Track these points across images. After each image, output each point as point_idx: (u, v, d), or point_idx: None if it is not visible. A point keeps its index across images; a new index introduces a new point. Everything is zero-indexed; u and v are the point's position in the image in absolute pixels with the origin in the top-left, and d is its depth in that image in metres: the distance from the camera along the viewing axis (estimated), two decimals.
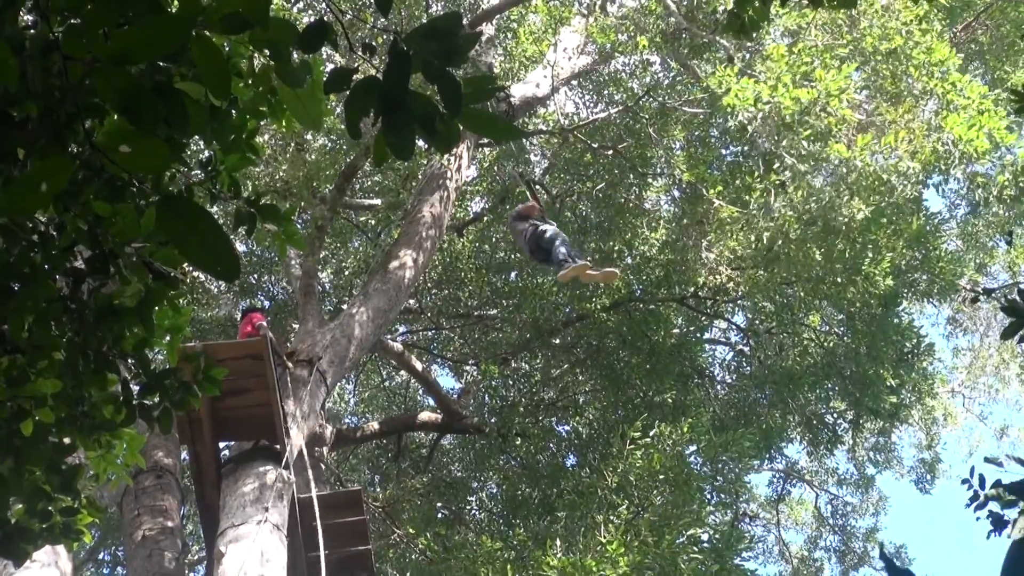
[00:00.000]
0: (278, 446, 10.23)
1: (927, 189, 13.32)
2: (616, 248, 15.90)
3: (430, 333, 18.90)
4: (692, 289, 15.47)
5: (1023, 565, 1.86)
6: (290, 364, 11.20)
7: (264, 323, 11.18)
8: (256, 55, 3.90)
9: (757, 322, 16.15)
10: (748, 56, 14.10)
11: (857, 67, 12.73)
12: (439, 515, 17.35)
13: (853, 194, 12.59)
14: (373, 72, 3.01)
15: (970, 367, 23.28)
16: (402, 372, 19.18)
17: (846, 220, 12.74)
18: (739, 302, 16.32)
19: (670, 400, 15.52)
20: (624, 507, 12.43)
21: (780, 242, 13.33)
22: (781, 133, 12.28)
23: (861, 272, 13.93)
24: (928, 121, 12.50)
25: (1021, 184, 12.67)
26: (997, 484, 4.58)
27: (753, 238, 13.72)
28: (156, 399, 4.14)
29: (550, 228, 12.89)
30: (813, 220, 12.98)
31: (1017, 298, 4.24)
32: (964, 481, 5.11)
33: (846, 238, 13.15)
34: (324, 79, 3.15)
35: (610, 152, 15.33)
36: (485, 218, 17.06)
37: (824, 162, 12.74)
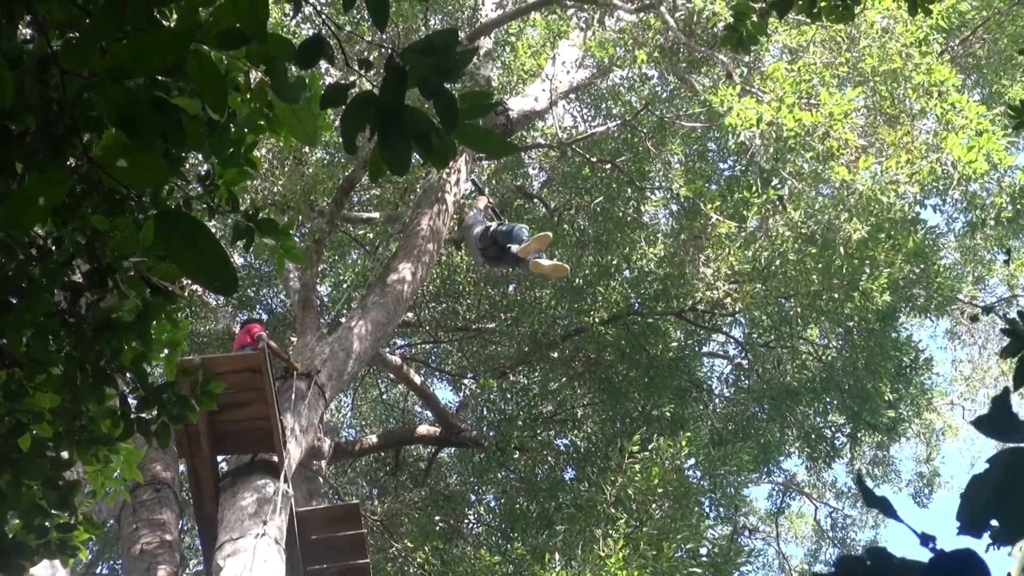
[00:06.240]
0: (276, 459, 10.22)
1: (924, 210, 13.31)
2: (614, 262, 15.90)
3: (428, 346, 18.88)
4: (690, 303, 15.46)
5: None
6: (298, 364, 11.20)
7: (263, 333, 11.16)
8: (253, 70, 3.91)
9: (755, 336, 16.13)
10: (747, 72, 14.10)
11: (859, 91, 12.71)
12: (437, 529, 17.30)
13: (852, 215, 12.58)
14: (369, 87, 3.01)
15: (969, 379, 23.26)
16: (400, 385, 19.16)
17: (844, 241, 12.74)
18: (737, 316, 16.31)
19: (668, 414, 15.50)
20: (623, 521, 12.41)
21: (779, 262, 13.32)
22: (781, 153, 12.26)
23: (859, 288, 13.93)
24: (926, 141, 12.50)
25: (1019, 206, 12.63)
26: None
27: (751, 255, 13.70)
28: (154, 413, 4.14)
29: (507, 223, 12.73)
30: (811, 237, 12.96)
31: (1017, 319, 4.22)
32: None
33: (844, 254, 13.14)
34: (321, 94, 3.16)
35: (608, 166, 15.33)
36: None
37: (824, 183, 12.73)
